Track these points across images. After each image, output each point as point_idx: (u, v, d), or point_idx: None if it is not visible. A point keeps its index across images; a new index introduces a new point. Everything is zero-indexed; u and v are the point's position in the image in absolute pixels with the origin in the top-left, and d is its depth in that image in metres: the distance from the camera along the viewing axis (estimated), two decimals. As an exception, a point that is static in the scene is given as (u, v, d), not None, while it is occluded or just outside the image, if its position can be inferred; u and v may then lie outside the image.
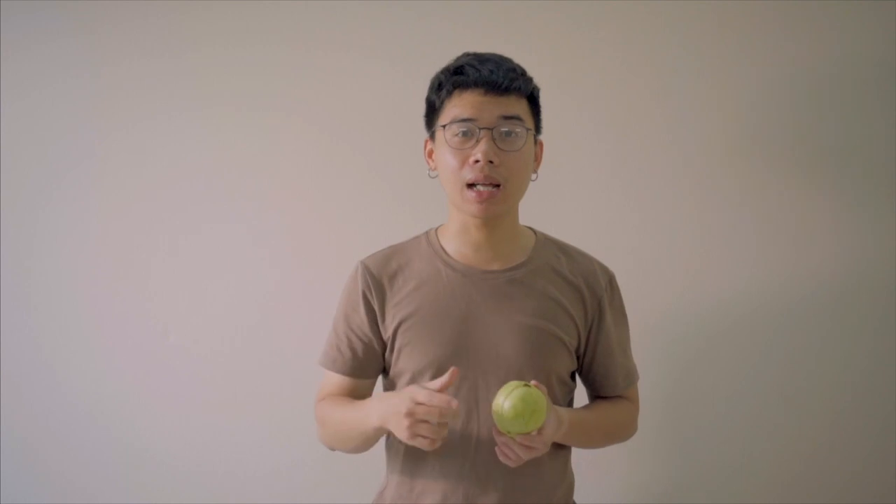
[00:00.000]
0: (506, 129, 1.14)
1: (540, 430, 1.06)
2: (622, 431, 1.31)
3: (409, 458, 1.22)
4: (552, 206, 1.65)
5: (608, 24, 1.66)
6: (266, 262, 1.75)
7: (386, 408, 1.10)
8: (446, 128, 1.15)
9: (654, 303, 1.64)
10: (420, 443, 1.06)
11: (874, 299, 1.63)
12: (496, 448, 1.09)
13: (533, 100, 1.20)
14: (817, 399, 1.65)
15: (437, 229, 1.28)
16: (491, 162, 1.13)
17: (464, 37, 1.64)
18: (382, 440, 1.27)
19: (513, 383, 1.06)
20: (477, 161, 1.13)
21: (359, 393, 1.27)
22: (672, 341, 1.66)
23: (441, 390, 1.05)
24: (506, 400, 1.03)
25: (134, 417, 1.79)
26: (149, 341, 1.78)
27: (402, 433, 1.06)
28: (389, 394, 1.16)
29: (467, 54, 1.19)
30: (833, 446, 1.65)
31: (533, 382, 1.06)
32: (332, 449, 1.28)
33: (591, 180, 1.68)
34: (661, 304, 1.66)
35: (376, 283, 1.24)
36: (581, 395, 1.32)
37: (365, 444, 1.22)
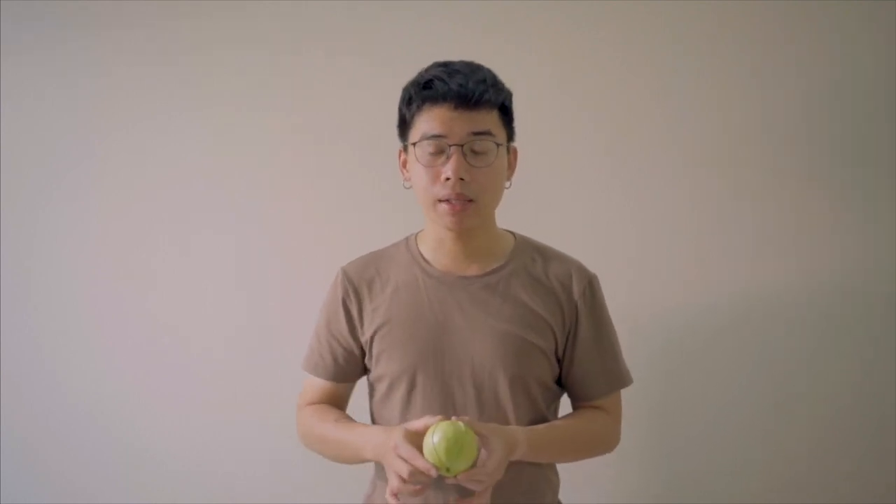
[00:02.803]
0: (476, 146, 1.13)
1: (484, 462, 1.05)
2: (598, 445, 1.27)
3: None
4: (549, 206, 1.65)
5: (608, 24, 1.65)
6: (266, 263, 1.75)
7: (381, 448, 1.11)
8: (416, 145, 1.15)
9: (649, 305, 1.63)
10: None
11: (869, 305, 1.61)
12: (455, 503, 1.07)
13: (504, 109, 1.18)
14: (809, 405, 1.63)
15: (416, 235, 1.28)
16: (462, 179, 1.12)
17: (463, 38, 1.65)
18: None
19: (435, 423, 1.05)
20: (448, 178, 1.13)
21: (340, 395, 1.30)
22: (665, 344, 1.65)
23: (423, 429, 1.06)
24: (434, 436, 1.03)
25: (134, 417, 1.79)
26: (148, 341, 1.78)
27: (391, 479, 1.08)
28: (383, 430, 1.17)
29: (437, 65, 1.17)
30: (825, 453, 1.63)
31: (454, 418, 1.06)
32: (311, 449, 1.30)
33: (590, 180, 1.67)
34: (655, 306, 1.65)
35: (355, 290, 1.25)
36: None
37: (352, 463, 1.23)
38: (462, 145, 1.13)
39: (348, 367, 1.27)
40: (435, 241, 1.23)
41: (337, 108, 1.72)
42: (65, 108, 1.78)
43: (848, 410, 1.63)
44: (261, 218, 1.75)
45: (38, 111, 1.79)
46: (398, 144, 1.24)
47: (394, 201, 1.65)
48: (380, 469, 1.27)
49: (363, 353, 1.26)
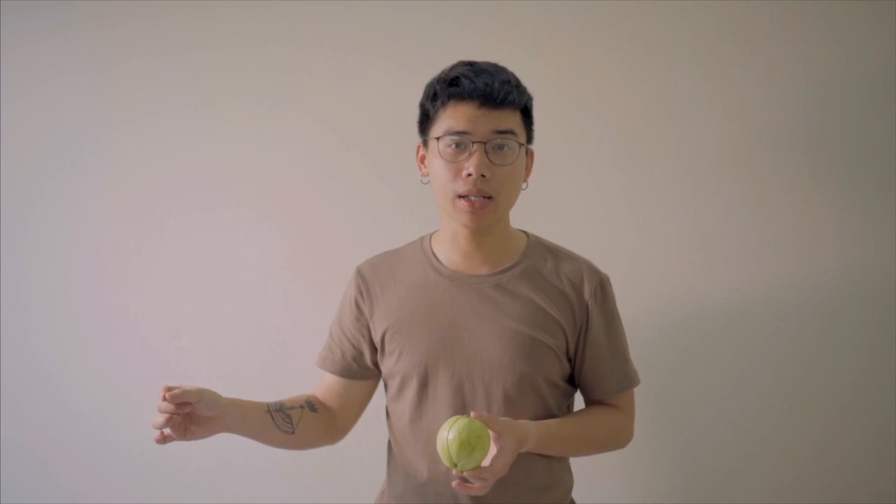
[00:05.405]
0: (499, 144, 1.15)
1: (492, 461, 1.06)
2: (611, 440, 1.29)
3: (402, 462, 1.26)
4: (553, 208, 1.65)
5: (612, 26, 1.66)
6: (272, 264, 1.75)
7: None
8: (440, 140, 1.16)
9: (654, 305, 1.64)
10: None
11: (873, 304, 1.62)
12: (454, 484, 1.06)
13: (526, 111, 1.20)
14: (815, 403, 1.65)
15: (431, 235, 1.30)
16: (483, 175, 1.13)
17: (469, 39, 1.66)
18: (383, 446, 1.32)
19: (453, 417, 1.07)
20: (469, 174, 1.14)
21: (351, 394, 1.31)
22: (666, 343, 1.66)
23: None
24: (449, 432, 1.05)
25: (136, 420, 1.76)
26: (154, 343, 1.77)
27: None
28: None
29: (462, 63, 1.19)
30: (825, 453, 1.65)
31: (473, 414, 1.07)
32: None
33: (594, 182, 1.67)
34: (660, 306, 1.66)
35: (368, 289, 1.27)
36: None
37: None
38: (485, 143, 1.14)
39: (356, 364, 1.29)
40: (449, 238, 1.24)
41: (346, 110, 1.71)
42: (67, 107, 1.76)
43: (848, 411, 1.64)
44: (269, 220, 1.74)
45: (39, 110, 1.77)
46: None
47: (404, 205, 1.67)
48: (389, 466, 1.31)
49: (374, 352, 1.28)
